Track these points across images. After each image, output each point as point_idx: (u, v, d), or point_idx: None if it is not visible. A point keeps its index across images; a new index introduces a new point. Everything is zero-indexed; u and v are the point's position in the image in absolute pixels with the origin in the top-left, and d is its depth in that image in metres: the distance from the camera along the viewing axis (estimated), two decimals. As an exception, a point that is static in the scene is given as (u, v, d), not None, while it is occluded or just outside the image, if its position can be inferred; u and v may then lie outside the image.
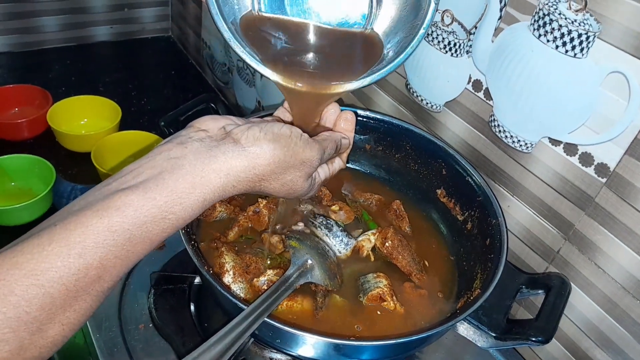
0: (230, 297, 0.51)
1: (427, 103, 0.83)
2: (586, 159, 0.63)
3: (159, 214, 0.43)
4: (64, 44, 1.57)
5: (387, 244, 0.69)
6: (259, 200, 0.70)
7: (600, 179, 0.62)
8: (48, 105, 1.19)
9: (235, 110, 1.41)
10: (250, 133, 0.48)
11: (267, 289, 0.60)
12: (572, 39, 0.61)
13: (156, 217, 0.43)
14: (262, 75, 0.54)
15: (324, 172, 0.58)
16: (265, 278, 0.64)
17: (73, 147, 1.18)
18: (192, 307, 0.69)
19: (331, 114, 0.60)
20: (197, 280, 0.69)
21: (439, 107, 0.81)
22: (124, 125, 1.21)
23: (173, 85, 1.53)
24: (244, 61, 0.53)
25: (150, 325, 0.67)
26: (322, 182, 0.58)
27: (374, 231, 0.72)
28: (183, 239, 0.57)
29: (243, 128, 0.49)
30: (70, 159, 1.18)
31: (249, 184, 0.48)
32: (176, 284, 0.69)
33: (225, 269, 0.63)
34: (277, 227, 0.70)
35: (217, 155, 0.46)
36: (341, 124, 0.60)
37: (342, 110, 0.60)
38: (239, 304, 0.51)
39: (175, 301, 0.68)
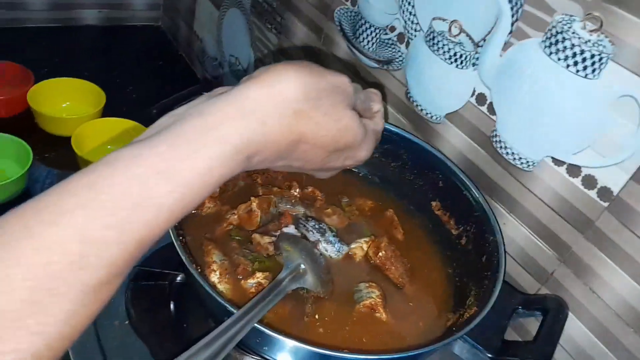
0: (221, 300, 0.48)
1: (427, 113, 0.81)
2: (589, 181, 0.62)
3: (162, 165, 0.32)
4: (50, 24, 1.52)
5: (380, 254, 0.67)
6: (252, 198, 0.67)
7: (602, 202, 0.61)
8: (29, 85, 1.14)
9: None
10: (267, 67, 0.39)
11: (255, 292, 0.58)
12: (584, 59, 0.60)
13: (159, 169, 0.32)
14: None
15: (370, 121, 0.48)
16: (255, 281, 0.61)
17: (52, 130, 1.12)
18: (172, 306, 0.65)
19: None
20: (179, 278, 0.65)
21: (439, 118, 0.79)
22: (106, 111, 1.17)
23: (160, 75, 1.49)
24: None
25: (126, 322, 0.63)
26: (375, 132, 0.48)
27: (367, 239, 0.70)
28: (171, 233, 0.53)
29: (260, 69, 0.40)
30: (48, 143, 1.13)
31: (285, 124, 0.38)
32: (157, 280, 0.65)
33: (212, 268, 0.60)
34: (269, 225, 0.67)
35: (232, 93, 0.37)
36: None
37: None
38: (229, 307, 0.48)
39: (154, 299, 0.65)
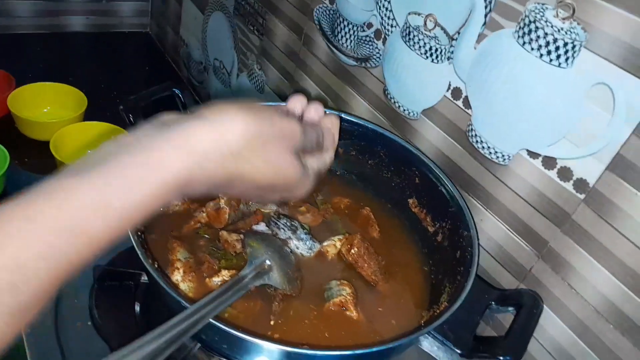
0: (173, 294, 0.46)
1: (404, 110, 0.80)
2: (565, 173, 0.60)
3: (98, 200, 0.34)
4: (37, 30, 1.51)
5: (352, 251, 0.65)
6: (220, 195, 0.66)
7: (578, 195, 0.59)
8: (11, 90, 1.13)
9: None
10: (217, 106, 0.40)
11: (218, 289, 0.56)
12: (557, 48, 0.58)
13: (95, 204, 0.33)
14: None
15: (316, 161, 0.51)
16: (220, 279, 0.59)
17: (32, 134, 1.11)
18: (137, 307, 0.63)
19: (312, 114, 0.53)
20: (144, 277, 0.63)
21: (416, 115, 0.78)
22: (90, 117, 1.16)
23: (146, 81, 1.48)
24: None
25: (89, 323, 0.61)
26: (317, 172, 0.51)
27: (340, 237, 0.68)
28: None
29: (210, 106, 0.41)
30: (28, 147, 1.12)
31: (224, 165, 0.39)
32: (122, 280, 0.64)
33: (175, 266, 0.58)
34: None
35: (177, 130, 0.38)
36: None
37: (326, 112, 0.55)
38: (182, 301, 0.46)
39: (119, 299, 0.63)
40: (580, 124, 0.58)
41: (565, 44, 0.57)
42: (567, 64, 0.58)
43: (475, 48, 0.67)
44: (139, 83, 1.45)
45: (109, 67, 1.48)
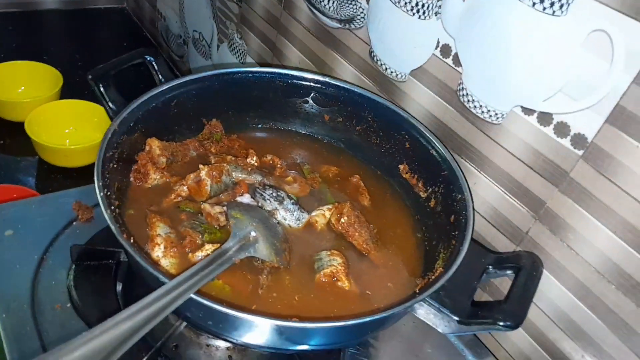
0: (150, 269, 0.43)
1: (391, 72, 0.76)
2: (562, 129, 0.57)
3: None
4: (8, 9, 1.45)
5: (342, 220, 0.62)
6: (201, 166, 0.62)
7: (576, 151, 0.56)
8: (-19, 70, 1.08)
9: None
10: None
11: (200, 264, 0.53)
12: (550, -5, 0.55)
13: None
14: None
15: None
16: (203, 253, 0.56)
17: (6, 115, 1.07)
18: (119, 287, 0.60)
19: None
20: (124, 256, 0.60)
21: (404, 76, 0.74)
22: (66, 95, 1.11)
23: (124, 57, 1.42)
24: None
25: (69, 305, 0.58)
26: None
27: (329, 206, 0.65)
28: (100, 202, 0.48)
29: None
30: (3, 129, 1.07)
31: None
32: (101, 259, 0.60)
33: (155, 241, 0.55)
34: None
35: None
36: None
37: None
38: (160, 277, 0.43)
39: (99, 279, 0.60)
40: (577, 75, 0.54)
41: (560, -9, 0.54)
42: (562, 12, 0.54)
43: (464, 0, 0.63)
44: (117, 60, 1.40)
45: (85, 45, 1.43)
